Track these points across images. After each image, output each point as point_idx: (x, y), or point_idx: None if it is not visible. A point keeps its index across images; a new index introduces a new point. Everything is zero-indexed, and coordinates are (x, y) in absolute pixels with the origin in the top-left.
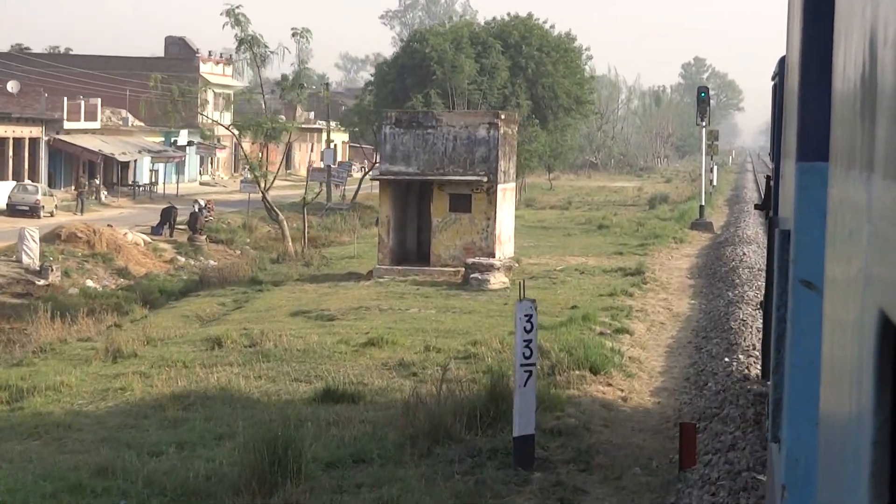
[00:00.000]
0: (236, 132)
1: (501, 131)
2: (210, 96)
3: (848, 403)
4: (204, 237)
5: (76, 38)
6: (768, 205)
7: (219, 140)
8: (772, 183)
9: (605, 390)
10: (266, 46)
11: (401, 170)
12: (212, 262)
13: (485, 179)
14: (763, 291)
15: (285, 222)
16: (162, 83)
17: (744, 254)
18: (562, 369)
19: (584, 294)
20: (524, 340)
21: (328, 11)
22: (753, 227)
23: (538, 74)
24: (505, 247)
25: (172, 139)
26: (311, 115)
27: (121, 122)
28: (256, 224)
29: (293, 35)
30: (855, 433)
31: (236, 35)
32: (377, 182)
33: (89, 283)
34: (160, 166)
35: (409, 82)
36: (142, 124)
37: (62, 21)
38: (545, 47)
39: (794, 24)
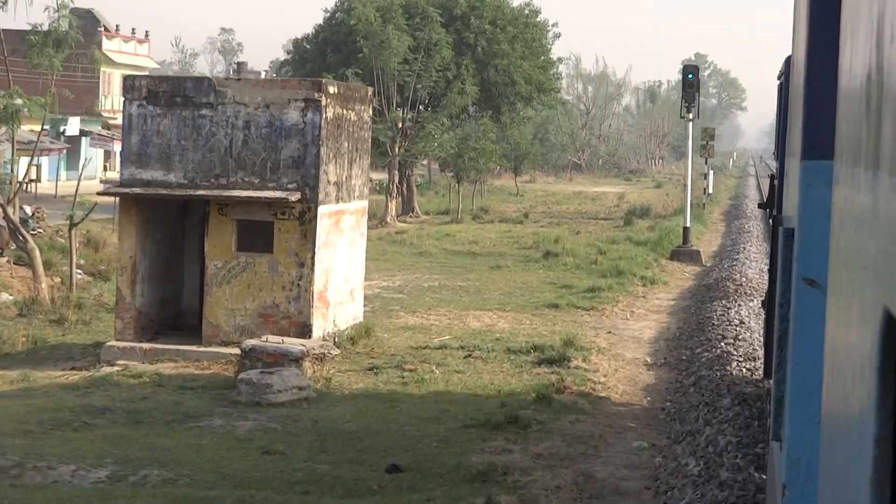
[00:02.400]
0: None
1: (328, 114)
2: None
3: (850, 401)
4: (5, 259)
5: None
6: (772, 203)
7: None
8: (776, 182)
9: None
10: None
11: (155, 178)
12: (4, 296)
13: (296, 197)
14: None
15: (37, 251)
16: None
17: (741, 322)
18: None
19: (440, 421)
20: None
21: None
22: (757, 259)
23: (490, 54)
24: (339, 311)
25: (61, 128)
26: None
27: None
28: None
29: None
30: (857, 430)
31: None
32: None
33: None
34: (43, 161)
35: (331, 61)
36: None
37: None
38: (500, 21)
39: (801, 22)
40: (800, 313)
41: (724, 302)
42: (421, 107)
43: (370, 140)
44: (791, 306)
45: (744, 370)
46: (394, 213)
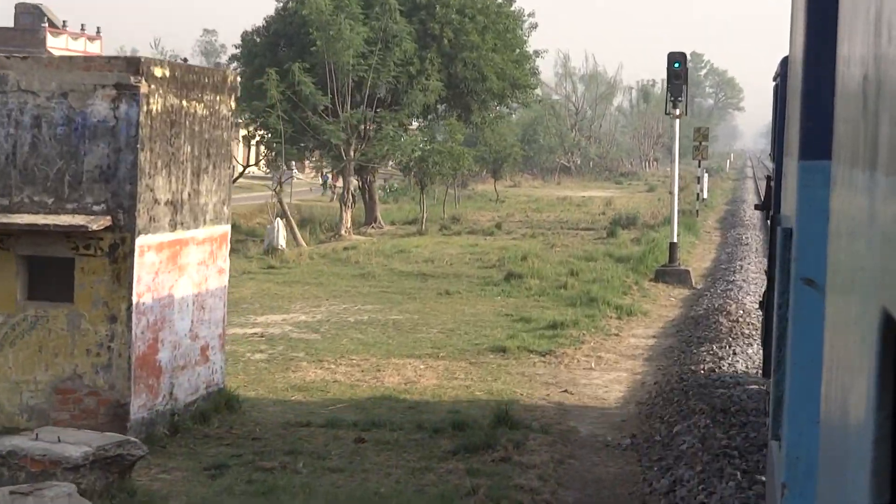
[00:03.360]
0: None
1: (154, 106)
2: None
3: (849, 401)
4: None
5: None
6: (768, 205)
7: None
8: (772, 183)
9: None
10: None
11: None
12: None
13: (103, 223)
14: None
15: None
16: None
17: (736, 382)
18: None
19: None
20: None
21: None
22: (756, 281)
23: (457, 46)
24: (178, 379)
25: None
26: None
27: None
28: None
29: None
30: (856, 431)
31: None
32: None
33: None
34: None
35: (282, 56)
36: None
37: None
38: (468, 10)
39: (798, 21)
40: (798, 313)
41: (714, 347)
42: (380, 107)
43: (230, 143)
44: (789, 306)
45: (739, 476)
46: (349, 225)
